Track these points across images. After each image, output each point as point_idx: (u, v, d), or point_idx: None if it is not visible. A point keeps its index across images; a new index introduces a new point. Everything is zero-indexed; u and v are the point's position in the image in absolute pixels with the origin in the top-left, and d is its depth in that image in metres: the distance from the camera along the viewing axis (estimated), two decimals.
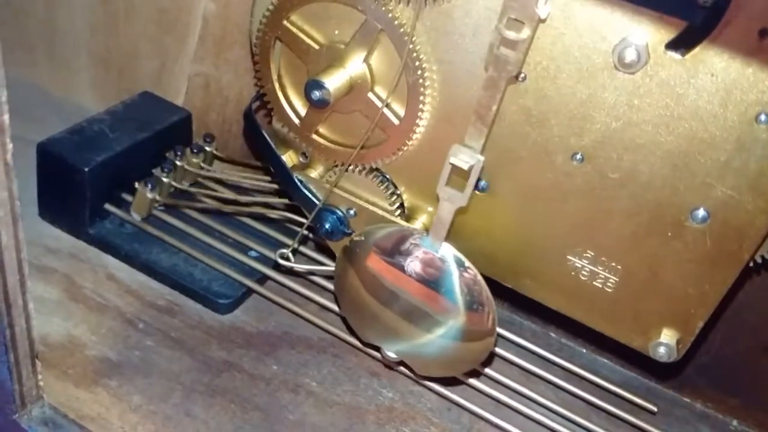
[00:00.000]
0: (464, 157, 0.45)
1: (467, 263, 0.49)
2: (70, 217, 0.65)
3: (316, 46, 0.51)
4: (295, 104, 0.55)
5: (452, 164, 0.45)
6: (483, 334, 0.51)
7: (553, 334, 0.68)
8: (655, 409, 0.60)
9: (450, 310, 0.51)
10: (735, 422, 0.64)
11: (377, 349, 0.58)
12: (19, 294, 0.43)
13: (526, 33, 0.40)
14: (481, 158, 0.45)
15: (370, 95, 0.50)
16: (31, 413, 0.50)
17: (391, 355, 0.56)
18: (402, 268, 0.51)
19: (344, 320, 0.60)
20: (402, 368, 0.59)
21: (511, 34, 0.40)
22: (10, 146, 0.37)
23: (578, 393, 0.60)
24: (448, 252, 0.50)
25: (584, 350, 0.67)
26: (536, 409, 0.58)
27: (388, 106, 0.50)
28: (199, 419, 0.54)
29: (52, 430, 0.50)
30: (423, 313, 0.52)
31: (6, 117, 0.36)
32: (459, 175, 0.45)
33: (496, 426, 0.57)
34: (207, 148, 0.69)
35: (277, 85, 0.54)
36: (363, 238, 0.52)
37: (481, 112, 0.44)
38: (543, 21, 0.41)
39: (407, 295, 0.52)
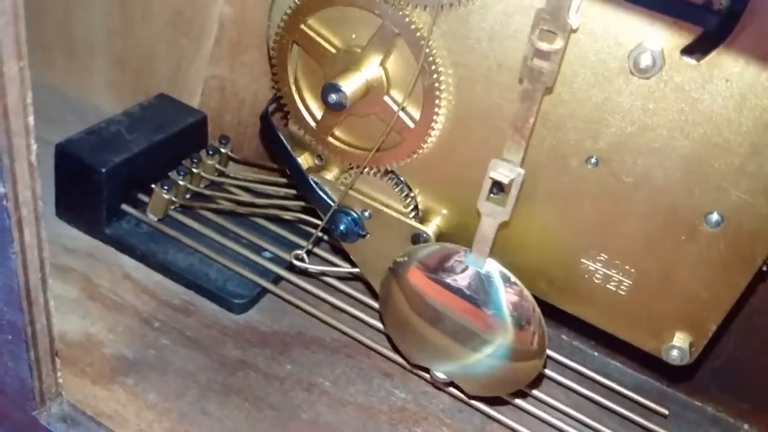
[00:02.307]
0: (504, 171, 0.45)
1: (513, 278, 0.49)
2: (88, 217, 0.66)
3: (333, 50, 0.51)
4: (311, 107, 0.55)
5: (492, 179, 0.45)
6: (532, 353, 0.51)
7: (565, 337, 0.68)
8: (667, 412, 0.60)
9: (498, 328, 0.51)
10: (746, 426, 0.64)
11: (426, 370, 0.58)
12: (41, 292, 0.44)
13: (559, 44, 0.40)
14: (521, 171, 0.45)
15: (386, 98, 0.51)
16: (50, 410, 0.51)
17: (441, 376, 0.56)
18: (447, 286, 0.51)
19: (389, 339, 0.59)
20: (416, 370, 0.60)
21: (544, 46, 0.41)
22: (34, 147, 0.38)
23: (590, 395, 0.60)
24: (493, 268, 0.49)
25: (596, 353, 0.68)
26: (548, 411, 0.59)
27: (403, 109, 0.51)
28: (214, 417, 0.54)
29: (71, 427, 0.51)
30: (469, 331, 0.52)
31: (31, 119, 0.37)
32: (499, 189, 0.46)
33: (508, 427, 0.58)
34: (222, 150, 0.70)
35: (293, 88, 0.55)
36: (406, 258, 0.52)
37: (518, 125, 0.44)
38: (575, 31, 0.41)
39: (453, 313, 0.52)
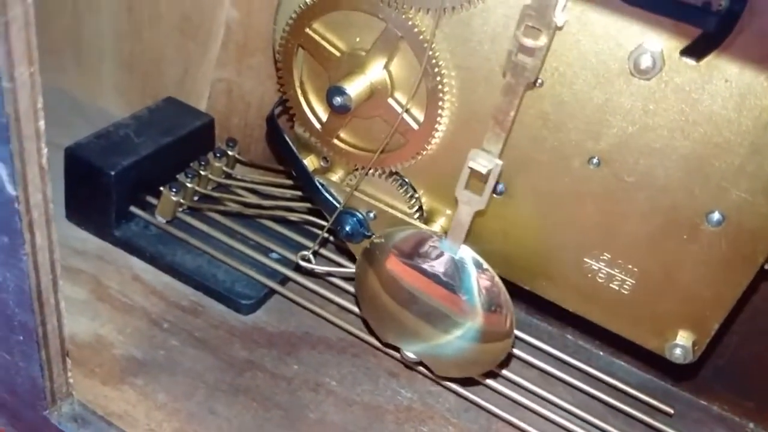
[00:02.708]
0: (483, 162, 0.46)
1: (485, 265, 0.50)
2: (97, 220, 0.67)
3: (338, 54, 0.52)
4: (316, 110, 0.56)
5: (471, 168, 0.46)
6: (501, 335, 0.52)
7: (569, 336, 0.69)
8: (672, 411, 0.61)
9: (468, 312, 0.52)
10: (751, 425, 0.64)
11: (397, 349, 0.59)
12: (52, 293, 0.45)
13: (543, 40, 0.41)
14: (500, 162, 0.46)
15: (390, 101, 0.51)
16: (60, 409, 0.51)
17: (411, 355, 0.57)
18: (421, 270, 0.52)
19: (364, 321, 0.61)
20: (421, 369, 0.60)
21: (528, 42, 0.41)
22: (45, 151, 0.39)
23: (595, 394, 0.61)
24: (466, 254, 0.50)
25: (601, 353, 0.68)
26: (553, 410, 0.59)
27: (407, 111, 0.51)
28: (222, 417, 0.55)
29: (81, 426, 0.51)
30: (441, 314, 0.53)
31: (42, 123, 0.38)
32: (477, 178, 0.46)
33: (514, 426, 0.58)
34: (229, 153, 0.70)
35: (299, 91, 0.55)
36: (382, 240, 0.53)
37: (499, 117, 0.45)
38: (560, 28, 0.42)
39: (426, 296, 0.53)
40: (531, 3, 0.40)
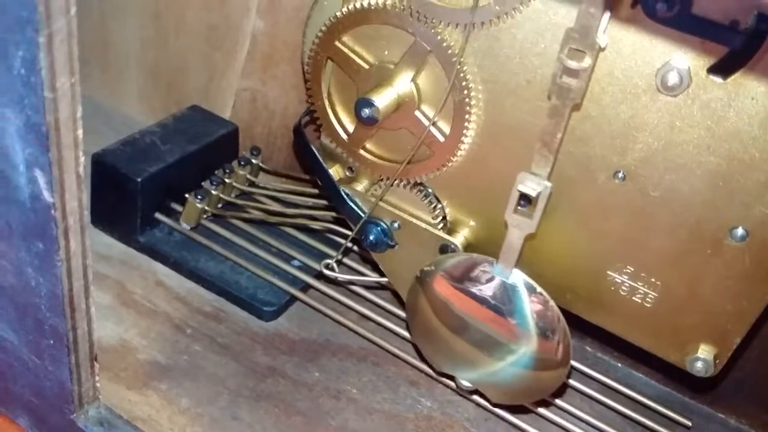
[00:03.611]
0: (532, 185, 0.46)
1: (539, 289, 0.50)
2: (122, 226, 0.67)
3: (366, 66, 0.52)
4: (343, 121, 0.57)
5: (520, 191, 0.46)
6: (555, 363, 0.52)
7: (589, 348, 0.69)
8: (690, 423, 0.61)
9: (522, 337, 0.51)
10: None
11: (452, 378, 0.58)
12: (83, 298, 0.45)
13: (587, 62, 0.42)
14: (549, 184, 0.46)
15: (417, 113, 0.52)
16: (87, 413, 0.52)
17: (466, 384, 0.57)
18: (473, 295, 0.52)
19: (416, 349, 0.60)
20: (442, 379, 0.61)
21: (573, 64, 0.42)
22: (82, 159, 0.40)
23: (614, 406, 0.61)
24: (518, 278, 0.50)
25: (619, 364, 0.68)
26: (572, 421, 0.59)
27: (434, 124, 0.52)
28: (245, 422, 0.55)
29: (107, 430, 0.52)
30: (494, 340, 0.53)
31: (80, 132, 0.38)
32: (526, 201, 0.47)
33: None
34: (253, 161, 0.71)
35: (327, 102, 0.56)
36: (433, 267, 0.53)
37: (546, 139, 0.45)
38: (603, 49, 0.43)
39: (478, 322, 0.53)
40: (574, 26, 0.41)
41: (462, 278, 0.52)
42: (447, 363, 0.57)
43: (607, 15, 0.40)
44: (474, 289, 0.52)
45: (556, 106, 0.44)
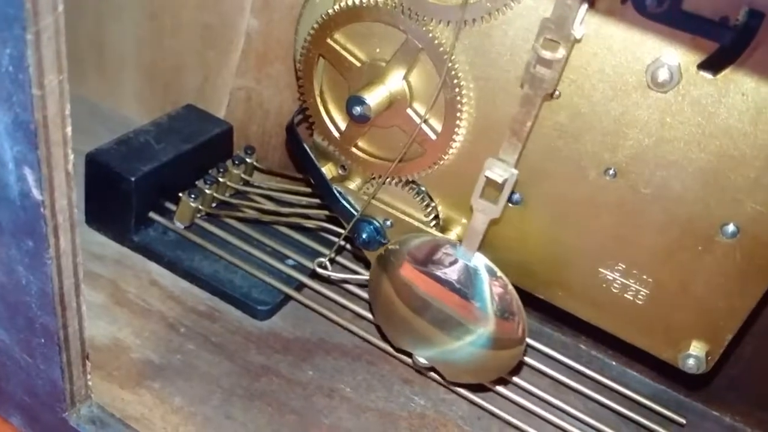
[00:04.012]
0: (498, 171, 0.46)
1: (499, 272, 0.51)
2: (116, 225, 0.67)
3: (358, 64, 0.52)
4: (335, 118, 0.57)
5: (487, 177, 0.46)
6: (513, 342, 0.52)
7: (583, 346, 0.69)
8: (684, 421, 0.61)
9: (481, 318, 0.52)
10: None
11: (409, 355, 0.59)
12: (74, 297, 0.45)
13: (561, 53, 0.42)
14: (515, 172, 0.46)
15: (409, 111, 0.52)
16: (79, 412, 0.52)
17: (422, 361, 0.57)
18: (434, 277, 0.53)
19: (378, 327, 0.61)
20: (433, 375, 0.60)
21: (547, 54, 0.42)
22: (71, 157, 0.39)
23: (608, 404, 0.61)
24: (480, 261, 0.51)
25: (614, 362, 0.68)
26: (566, 419, 0.59)
27: (426, 121, 0.52)
28: (238, 421, 0.55)
29: (100, 429, 0.52)
30: (454, 321, 0.53)
31: (69, 129, 0.38)
32: (493, 187, 0.47)
33: None
34: (248, 160, 0.71)
35: (319, 100, 0.56)
36: (397, 247, 0.54)
37: (515, 127, 0.45)
38: (578, 41, 0.43)
39: (439, 303, 0.53)
40: (550, 16, 0.41)
41: (425, 260, 0.53)
42: (406, 340, 0.58)
43: (584, 7, 0.40)
44: (436, 271, 0.53)
45: (528, 95, 0.44)
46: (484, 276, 0.51)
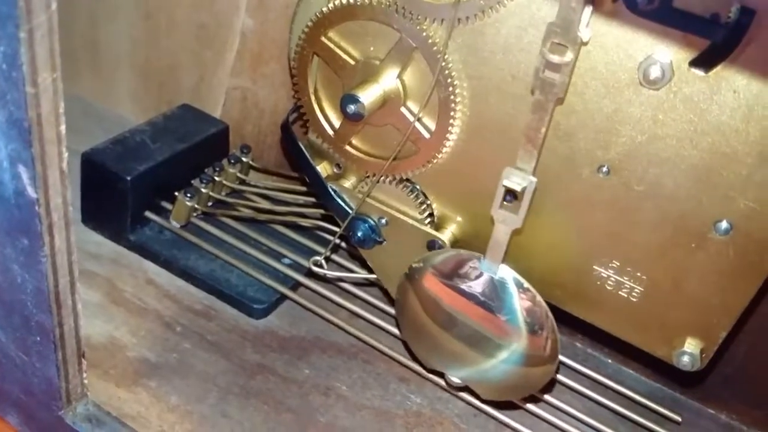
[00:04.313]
0: (516, 180, 0.46)
1: (526, 284, 0.50)
2: (112, 224, 0.67)
3: (352, 62, 0.52)
4: (330, 117, 0.57)
5: (505, 186, 0.46)
6: (544, 359, 0.52)
7: (579, 344, 0.69)
8: (680, 419, 0.61)
9: (511, 333, 0.52)
10: None
11: (441, 375, 0.59)
12: (69, 295, 0.45)
13: (569, 56, 0.42)
14: (534, 179, 0.46)
15: (403, 110, 0.52)
16: (75, 410, 0.52)
17: (455, 380, 0.57)
18: (461, 292, 0.52)
19: (406, 346, 0.60)
20: (430, 375, 0.61)
21: (555, 58, 0.42)
22: (65, 155, 0.40)
23: (604, 402, 0.61)
24: (507, 274, 0.51)
25: (610, 361, 0.68)
26: (562, 417, 0.59)
27: (419, 120, 0.52)
28: (234, 419, 0.56)
29: (96, 427, 0.52)
30: (483, 336, 0.53)
31: (63, 128, 0.39)
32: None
33: None
34: (243, 159, 0.71)
35: (313, 98, 0.56)
36: (422, 264, 0.53)
37: (530, 134, 0.45)
38: (585, 44, 0.43)
39: (468, 319, 0.53)
40: (556, 20, 0.41)
41: (451, 275, 0.52)
42: (436, 360, 0.57)
43: (588, 9, 0.41)
44: (463, 286, 0.52)
45: (540, 101, 0.44)
46: (512, 289, 0.51)
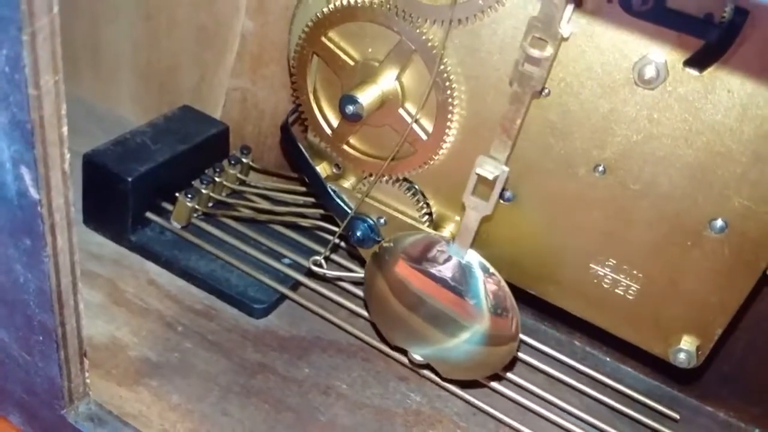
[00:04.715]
0: (489, 168, 0.47)
1: (492, 269, 0.51)
2: (113, 225, 0.68)
3: (351, 63, 0.53)
4: (328, 116, 0.57)
5: (478, 174, 0.47)
6: (507, 338, 0.53)
7: (577, 343, 0.69)
8: (678, 417, 0.61)
9: (475, 315, 0.53)
10: (757, 430, 0.65)
11: (404, 352, 0.60)
12: (71, 294, 0.46)
13: (549, 51, 0.42)
14: (506, 169, 0.47)
15: (401, 111, 0.53)
16: (77, 409, 0.52)
17: (418, 358, 0.58)
18: (429, 274, 0.53)
19: (373, 324, 0.61)
20: (428, 374, 0.61)
21: (535, 52, 0.42)
22: (67, 156, 0.40)
23: (602, 399, 0.61)
24: (473, 258, 0.51)
25: (608, 359, 0.69)
26: (561, 415, 0.60)
27: (417, 121, 0.52)
28: (235, 418, 0.56)
29: (98, 426, 0.52)
30: (448, 318, 0.54)
31: (65, 129, 0.39)
32: (485, 184, 0.47)
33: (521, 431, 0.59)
34: (243, 160, 0.72)
35: (312, 98, 0.57)
36: (391, 244, 0.54)
37: (505, 125, 0.46)
38: (565, 39, 0.43)
39: (433, 300, 0.54)
40: (537, 15, 0.42)
41: (419, 257, 0.53)
42: (401, 337, 0.58)
43: (570, 6, 0.41)
44: (430, 268, 0.53)
45: (517, 93, 0.45)
46: (478, 273, 0.51)
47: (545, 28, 0.42)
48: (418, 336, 0.56)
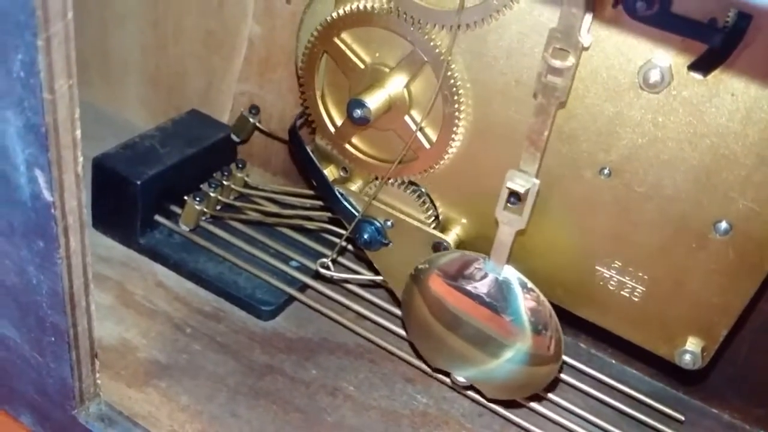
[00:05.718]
0: (520, 182, 0.47)
1: (530, 285, 0.51)
2: (122, 228, 0.69)
3: (362, 66, 0.53)
4: (333, 115, 0.58)
5: (509, 188, 0.47)
6: (548, 358, 0.53)
7: (582, 345, 0.70)
8: (683, 418, 0.61)
9: (515, 334, 0.52)
10: None
11: (447, 374, 0.59)
12: (83, 296, 0.46)
13: (571, 61, 0.43)
14: (537, 181, 0.47)
15: (406, 118, 0.53)
16: (88, 409, 0.53)
17: (461, 380, 0.58)
18: (467, 293, 0.53)
19: (413, 346, 0.61)
20: (435, 374, 0.61)
21: (557, 63, 0.43)
22: (80, 159, 0.41)
23: (607, 401, 0.62)
24: (511, 274, 0.51)
25: (613, 361, 0.69)
26: (566, 416, 0.60)
27: (421, 130, 0.53)
28: (243, 419, 0.56)
29: (108, 426, 0.53)
30: (489, 337, 0.54)
31: (78, 133, 0.40)
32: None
33: None
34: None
35: (318, 95, 0.57)
36: (427, 265, 0.54)
37: (533, 137, 0.46)
38: (586, 49, 0.44)
39: (473, 319, 0.54)
40: (558, 26, 0.42)
41: (456, 276, 0.53)
42: (442, 359, 0.58)
43: (589, 15, 0.41)
44: (468, 287, 0.53)
45: (542, 105, 0.45)
46: (516, 289, 0.51)
47: (566, 39, 0.42)
48: (460, 357, 0.56)
